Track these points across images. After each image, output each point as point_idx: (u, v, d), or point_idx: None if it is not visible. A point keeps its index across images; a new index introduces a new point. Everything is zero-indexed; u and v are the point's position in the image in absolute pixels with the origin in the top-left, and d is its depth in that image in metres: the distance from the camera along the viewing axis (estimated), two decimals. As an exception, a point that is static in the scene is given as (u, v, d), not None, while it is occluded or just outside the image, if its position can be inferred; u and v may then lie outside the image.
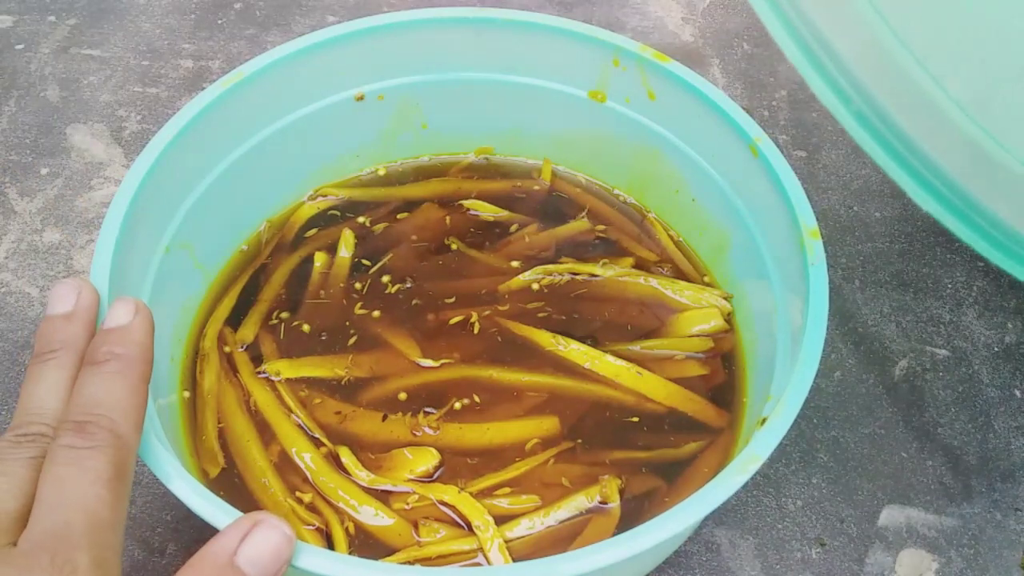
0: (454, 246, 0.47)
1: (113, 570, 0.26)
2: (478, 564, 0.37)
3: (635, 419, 0.41)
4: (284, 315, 0.44)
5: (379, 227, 0.48)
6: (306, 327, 0.44)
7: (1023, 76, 0.27)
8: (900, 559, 0.43)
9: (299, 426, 0.40)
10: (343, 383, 0.42)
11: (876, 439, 0.46)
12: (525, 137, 0.51)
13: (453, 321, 0.44)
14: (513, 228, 0.48)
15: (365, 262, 0.47)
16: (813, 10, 0.29)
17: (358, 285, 0.46)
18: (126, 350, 0.30)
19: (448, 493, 0.38)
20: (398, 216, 0.49)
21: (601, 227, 0.49)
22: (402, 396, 0.42)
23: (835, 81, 0.29)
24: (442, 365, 0.43)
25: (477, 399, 0.41)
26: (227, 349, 0.43)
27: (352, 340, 0.43)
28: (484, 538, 0.37)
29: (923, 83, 0.28)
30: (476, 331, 0.44)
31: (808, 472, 0.45)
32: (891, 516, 0.44)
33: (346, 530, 0.37)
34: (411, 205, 0.49)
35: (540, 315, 0.44)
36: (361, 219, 0.48)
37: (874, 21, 0.28)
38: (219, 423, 0.40)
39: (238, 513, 0.29)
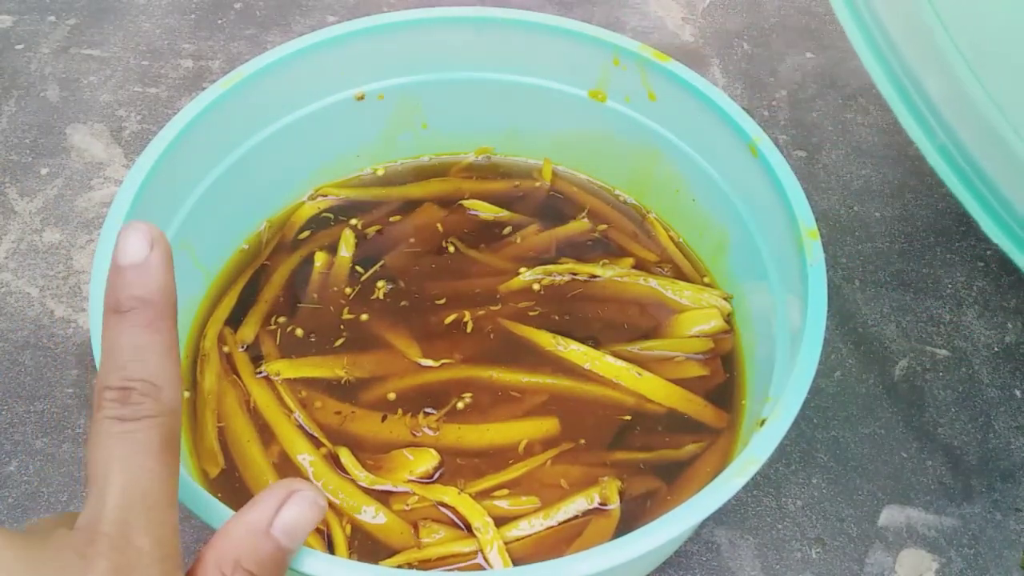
0: (452, 247, 0.47)
1: (172, 547, 0.25)
2: (478, 565, 0.37)
3: (635, 420, 0.41)
4: (284, 316, 0.44)
5: (379, 227, 0.48)
6: (306, 328, 0.44)
7: None
8: (900, 559, 0.43)
9: (299, 426, 0.40)
10: (343, 383, 0.42)
11: (876, 439, 0.46)
12: (525, 137, 0.51)
13: (450, 320, 0.44)
14: (512, 229, 0.48)
15: (359, 269, 0.46)
16: (907, 52, 0.30)
17: (357, 286, 0.46)
18: (150, 294, 0.27)
19: (448, 494, 0.38)
20: (398, 216, 0.49)
21: (601, 227, 0.49)
22: (399, 396, 0.42)
23: (923, 118, 0.31)
24: (442, 365, 0.43)
25: (477, 400, 0.41)
26: (226, 349, 0.43)
27: (352, 340, 0.43)
28: (484, 539, 0.37)
29: (1003, 129, 0.29)
30: (476, 331, 0.44)
31: (808, 472, 0.45)
32: (891, 516, 0.44)
33: (345, 531, 0.37)
34: (411, 205, 0.49)
35: (540, 315, 0.44)
36: (361, 219, 0.48)
37: (962, 69, 0.29)
38: (219, 423, 0.40)
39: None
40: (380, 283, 0.46)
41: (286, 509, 0.27)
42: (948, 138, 0.30)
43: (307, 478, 0.39)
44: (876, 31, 0.32)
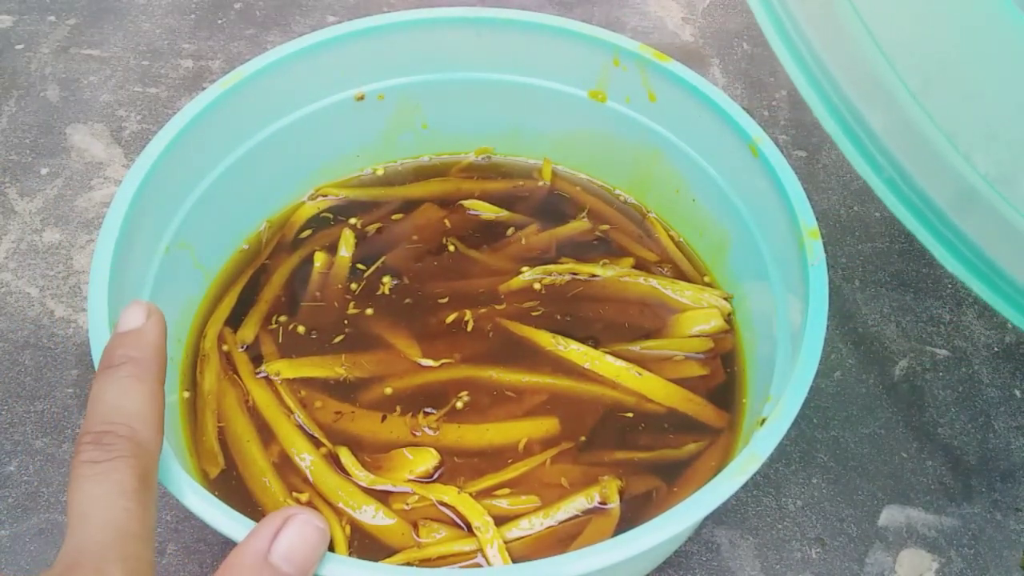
0: (452, 247, 0.47)
1: None
2: (478, 565, 0.37)
3: (635, 419, 0.41)
4: (284, 316, 0.44)
5: (379, 227, 0.48)
6: (306, 328, 0.44)
7: None
8: (900, 559, 0.43)
9: (299, 426, 0.40)
10: (343, 383, 0.42)
11: (876, 439, 0.46)
12: (525, 137, 0.51)
13: (450, 319, 0.44)
14: (513, 229, 0.48)
15: (360, 266, 0.46)
16: (848, 86, 0.31)
17: (358, 285, 0.46)
18: (141, 353, 0.30)
19: (448, 493, 0.38)
20: (398, 216, 0.49)
21: (601, 227, 0.49)
22: (399, 396, 0.42)
23: (869, 152, 0.31)
24: (442, 365, 0.43)
25: (477, 399, 0.41)
26: (225, 348, 0.43)
27: (352, 340, 0.43)
28: (484, 539, 0.37)
29: (952, 158, 0.29)
30: (476, 331, 0.44)
31: (808, 472, 0.45)
32: (891, 516, 0.44)
33: (345, 531, 0.37)
34: (411, 205, 0.49)
35: (540, 315, 0.44)
36: (361, 219, 0.48)
37: (906, 100, 0.29)
38: (219, 423, 0.40)
39: (241, 517, 0.29)
40: (385, 279, 0.46)
41: (282, 536, 0.27)
42: (895, 171, 0.31)
43: (307, 478, 0.39)
44: (815, 66, 0.32)
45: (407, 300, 0.45)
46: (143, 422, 0.28)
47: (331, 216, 0.49)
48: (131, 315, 0.31)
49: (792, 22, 0.33)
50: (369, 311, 0.45)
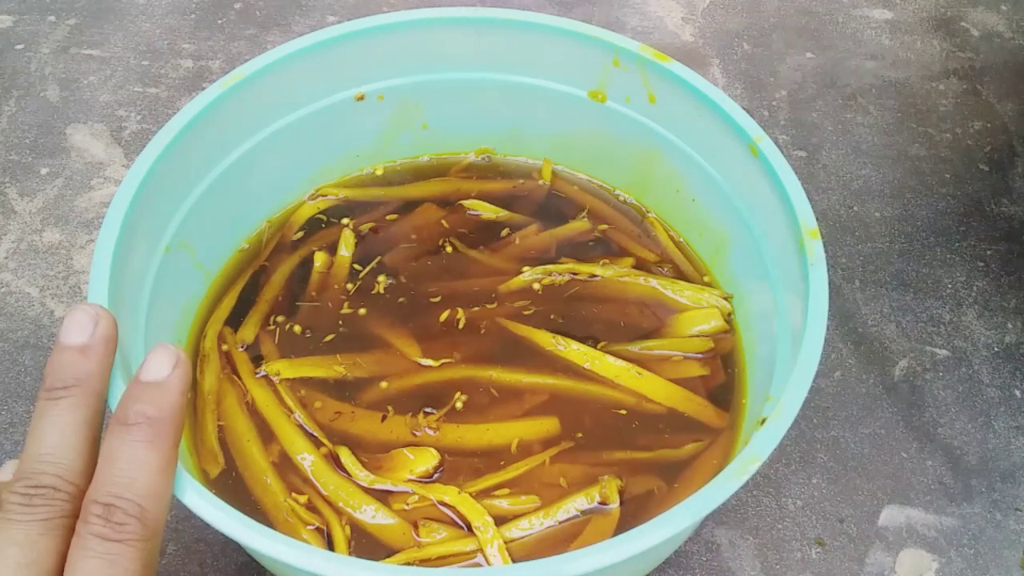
0: (452, 247, 0.47)
1: None
2: (478, 565, 0.37)
3: (634, 419, 0.41)
4: (283, 316, 0.44)
5: (379, 227, 0.48)
6: (306, 327, 0.44)
7: None
8: (900, 559, 0.43)
9: (299, 426, 0.40)
10: (343, 383, 0.42)
11: (876, 439, 0.46)
12: (525, 137, 0.51)
13: (444, 318, 0.44)
14: (512, 229, 0.48)
15: (357, 267, 0.46)
16: None
17: (357, 285, 0.46)
18: (160, 412, 0.28)
19: (448, 493, 0.38)
20: (398, 216, 0.49)
21: (601, 227, 0.49)
22: (399, 396, 0.42)
23: None
24: (442, 365, 0.43)
25: (477, 399, 0.41)
26: (225, 348, 0.43)
27: (352, 338, 0.43)
28: (484, 539, 0.37)
29: None
30: (476, 331, 0.44)
31: (808, 472, 0.45)
32: (891, 516, 0.44)
33: (345, 531, 0.37)
34: (411, 205, 0.49)
35: (540, 315, 0.44)
36: (361, 219, 0.48)
37: None
38: (219, 423, 0.40)
39: (241, 516, 0.29)
40: (381, 278, 0.46)
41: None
42: None
43: (307, 477, 0.39)
44: None
45: (406, 298, 0.45)
46: (154, 500, 0.27)
47: (331, 216, 0.49)
48: (156, 363, 0.29)
49: None
50: (368, 311, 0.44)
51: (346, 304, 0.45)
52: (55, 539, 0.26)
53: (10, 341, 0.48)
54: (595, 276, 0.46)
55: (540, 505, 0.38)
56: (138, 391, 0.28)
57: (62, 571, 0.26)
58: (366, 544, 0.37)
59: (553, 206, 0.50)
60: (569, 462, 0.40)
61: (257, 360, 0.43)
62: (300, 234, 0.48)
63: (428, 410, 0.41)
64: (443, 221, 0.49)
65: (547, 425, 0.41)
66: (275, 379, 0.42)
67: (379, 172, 0.51)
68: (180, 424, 0.29)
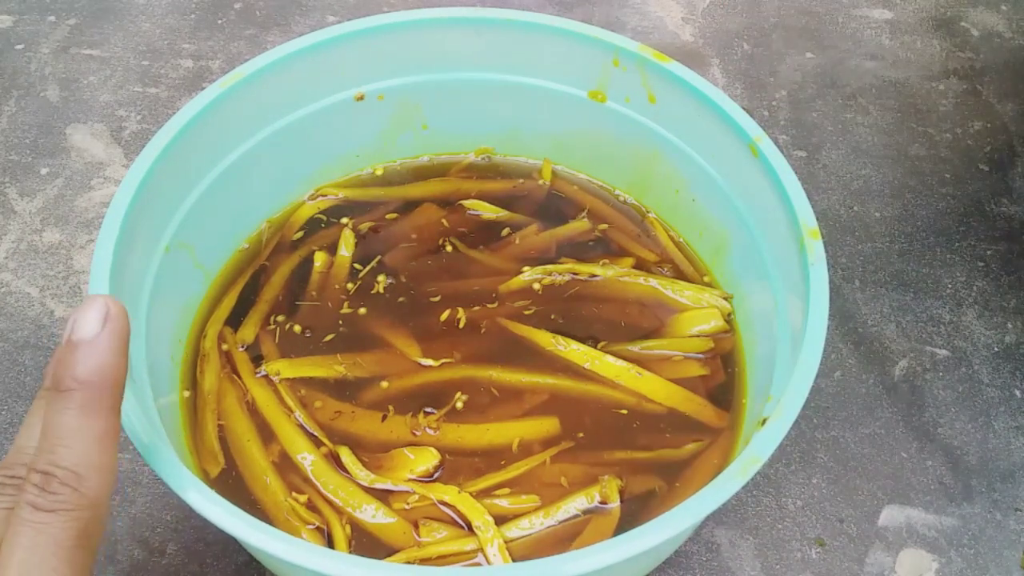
0: (452, 247, 0.47)
1: None
2: (478, 564, 0.37)
3: (635, 419, 0.41)
4: (283, 316, 0.44)
5: (379, 227, 0.48)
6: (306, 327, 0.44)
7: None
8: (900, 559, 0.43)
9: (299, 426, 0.40)
10: (343, 383, 0.42)
11: (876, 439, 0.46)
12: (525, 137, 0.51)
13: (444, 317, 0.44)
14: (512, 229, 0.48)
15: (358, 266, 0.46)
16: None
17: (357, 285, 0.46)
18: (91, 375, 0.26)
19: (448, 493, 0.38)
20: (398, 216, 0.49)
21: (601, 227, 0.49)
22: (399, 396, 0.42)
23: None
24: (442, 365, 0.43)
25: (477, 399, 0.41)
26: (225, 347, 0.43)
27: (352, 338, 0.43)
28: (484, 538, 0.37)
29: None
30: (476, 331, 0.44)
31: (808, 472, 0.45)
32: (891, 516, 0.44)
33: (346, 530, 0.37)
34: (411, 205, 0.49)
35: (540, 315, 0.44)
36: (361, 219, 0.48)
37: None
38: (219, 422, 0.40)
39: (243, 514, 0.29)
40: (381, 277, 0.46)
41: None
42: None
43: (307, 477, 0.39)
44: None
45: (406, 301, 0.45)
46: (92, 470, 0.25)
47: (331, 216, 0.49)
48: (84, 319, 0.26)
49: None
50: (368, 311, 0.44)
51: (346, 304, 0.45)
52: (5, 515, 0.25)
53: (10, 341, 0.48)
54: (595, 276, 0.46)
55: (540, 505, 0.38)
56: (67, 353, 0.26)
57: None
58: (366, 543, 0.37)
59: (553, 206, 0.50)
60: (569, 462, 0.40)
61: (257, 360, 0.43)
62: (300, 234, 0.48)
63: (428, 410, 0.41)
64: (443, 221, 0.49)
65: (547, 425, 0.41)
66: (275, 379, 0.42)
67: (379, 172, 0.51)
68: (116, 385, 0.26)
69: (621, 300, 0.45)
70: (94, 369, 0.26)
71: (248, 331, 0.43)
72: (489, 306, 0.45)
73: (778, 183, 0.39)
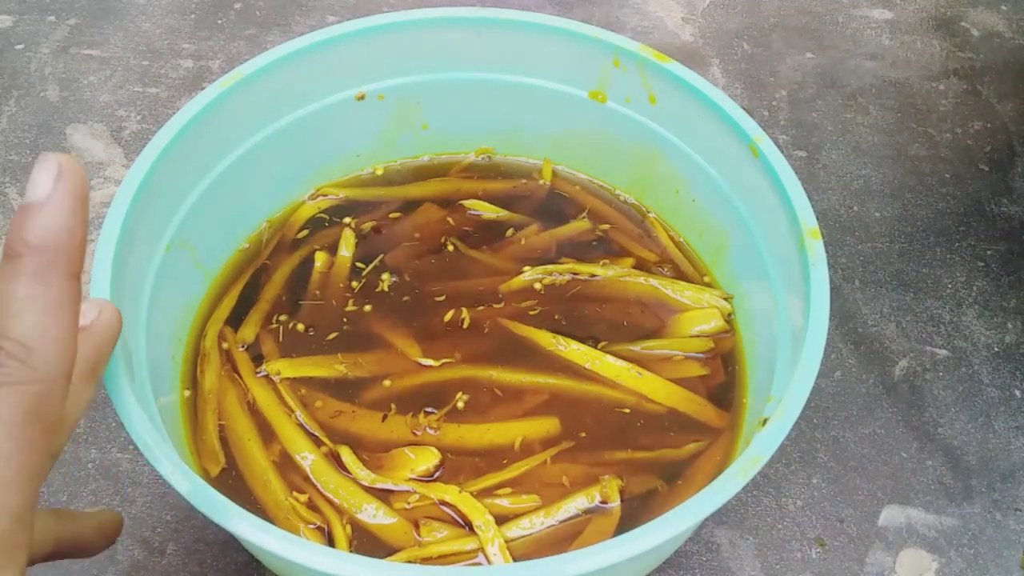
0: (452, 247, 0.47)
1: (10, 540, 0.21)
2: (479, 564, 0.37)
3: (635, 419, 0.41)
4: (284, 316, 0.44)
5: (379, 227, 0.48)
6: (306, 327, 0.44)
7: None
8: (900, 559, 0.43)
9: (299, 425, 0.40)
10: (343, 382, 0.42)
11: (876, 439, 0.46)
12: (525, 137, 0.51)
13: (449, 319, 0.44)
14: (513, 229, 0.48)
15: (360, 265, 0.47)
16: None
17: (358, 285, 0.46)
18: (43, 240, 0.23)
19: (449, 493, 0.38)
20: (398, 216, 0.49)
21: (601, 227, 0.49)
22: (400, 396, 0.42)
23: None
24: (442, 365, 0.43)
25: (477, 399, 0.41)
26: (225, 346, 0.43)
27: (352, 339, 0.43)
28: (485, 538, 0.37)
29: None
30: (476, 331, 0.44)
31: (808, 472, 0.45)
32: (891, 516, 0.44)
33: (346, 530, 0.37)
34: (411, 205, 0.49)
35: (540, 315, 0.44)
36: (361, 219, 0.48)
37: None
38: (220, 422, 0.40)
39: (243, 512, 0.29)
40: (385, 275, 0.46)
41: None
42: None
43: (307, 477, 0.39)
44: None
45: (407, 299, 0.45)
46: (42, 340, 0.22)
47: (331, 216, 0.49)
48: (36, 179, 0.23)
49: None
50: (369, 311, 0.45)
51: (351, 301, 0.45)
52: None
53: (10, 341, 0.48)
54: (595, 276, 0.46)
55: (541, 504, 0.38)
56: (21, 217, 0.23)
57: None
58: (367, 543, 0.37)
59: (554, 206, 0.50)
60: (570, 462, 0.40)
61: (258, 359, 0.43)
62: (302, 233, 0.48)
63: (429, 410, 0.41)
64: (444, 221, 0.49)
65: (548, 425, 0.41)
66: (276, 378, 0.42)
67: (379, 172, 0.51)
68: (72, 248, 0.23)
69: (621, 300, 0.45)
70: (45, 232, 0.23)
71: (248, 331, 0.43)
72: (495, 306, 0.45)
73: (778, 183, 0.39)
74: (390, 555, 0.37)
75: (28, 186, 0.23)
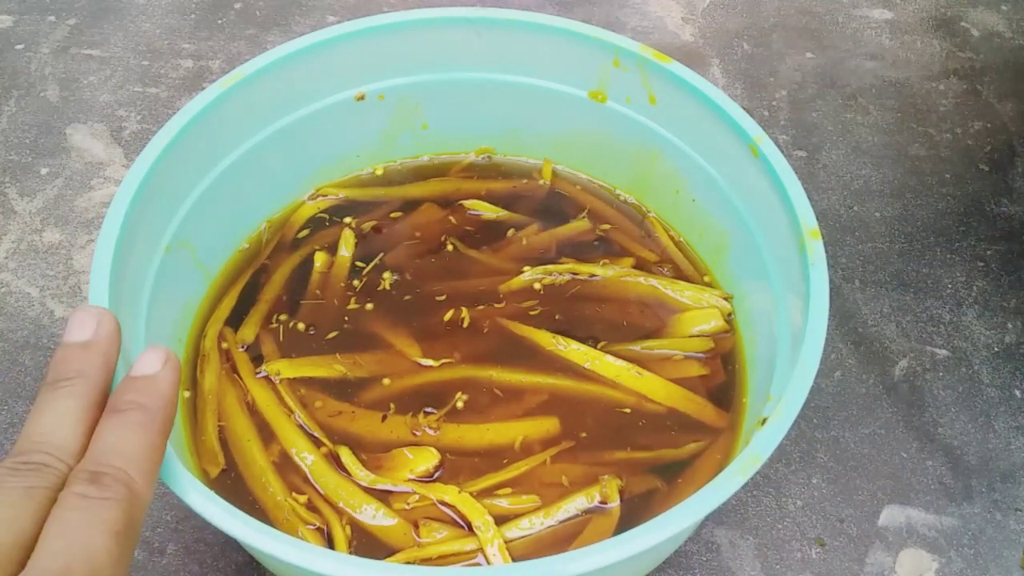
0: (452, 247, 0.47)
1: None
2: (478, 564, 0.37)
3: (635, 419, 0.41)
4: (284, 315, 0.44)
5: (380, 226, 0.48)
6: (306, 327, 0.44)
7: None
8: (900, 559, 0.43)
9: (299, 426, 0.40)
10: (343, 383, 0.42)
11: (876, 439, 0.46)
12: (525, 137, 0.51)
13: (449, 319, 0.44)
14: (513, 229, 0.48)
15: (360, 264, 0.47)
16: None
17: (358, 284, 0.46)
18: (150, 401, 0.29)
19: (448, 493, 0.38)
20: (398, 216, 0.49)
21: (602, 227, 0.49)
22: (399, 396, 0.42)
23: None
24: (442, 365, 0.43)
25: (477, 399, 0.41)
26: (225, 346, 0.43)
27: (352, 340, 0.43)
28: (484, 538, 0.37)
29: None
30: (476, 331, 0.44)
31: (808, 472, 0.45)
32: (891, 516, 0.44)
33: (346, 530, 0.37)
34: (411, 205, 0.49)
35: (540, 315, 0.44)
36: (361, 219, 0.48)
37: None
38: (219, 423, 0.40)
39: (243, 515, 0.29)
40: (386, 274, 0.46)
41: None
42: None
43: (307, 477, 0.39)
44: None
45: (406, 301, 0.45)
46: (140, 471, 0.27)
47: (331, 216, 0.49)
48: (147, 360, 0.30)
49: None
50: (369, 306, 0.45)
51: (352, 300, 0.45)
52: (36, 503, 0.26)
53: (10, 341, 0.48)
54: (595, 276, 0.46)
55: (540, 505, 0.38)
56: (130, 384, 0.29)
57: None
58: (366, 544, 0.37)
59: (554, 206, 0.50)
60: (569, 462, 0.40)
61: (257, 360, 0.43)
62: (302, 234, 0.48)
63: (428, 410, 0.41)
64: (444, 221, 0.49)
65: (547, 425, 0.41)
66: (275, 379, 0.42)
67: (379, 172, 0.51)
68: (170, 416, 0.29)
69: (621, 300, 0.45)
70: (153, 396, 0.29)
71: (248, 331, 0.43)
72: (495, 306, 0.45)
73: (778, 183, 0.39)
74: (390, 556, 0.37)
75: (137, 365, 0.30)
